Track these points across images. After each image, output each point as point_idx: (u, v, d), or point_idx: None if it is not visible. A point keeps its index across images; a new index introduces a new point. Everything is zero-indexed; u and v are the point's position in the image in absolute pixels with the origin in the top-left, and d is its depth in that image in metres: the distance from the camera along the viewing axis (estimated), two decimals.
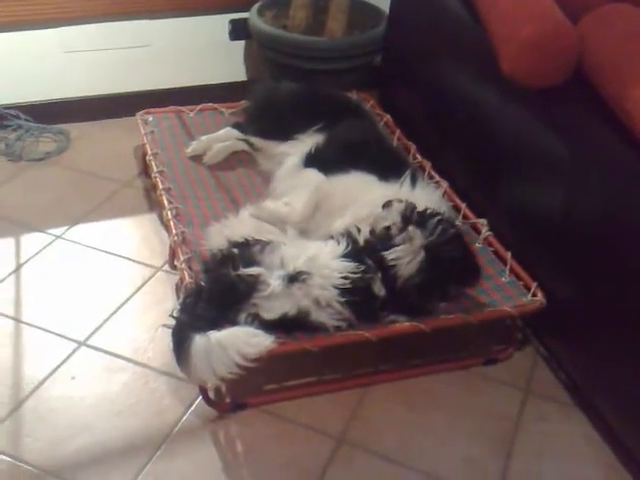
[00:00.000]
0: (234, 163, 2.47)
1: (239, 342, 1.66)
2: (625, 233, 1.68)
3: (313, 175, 2.12)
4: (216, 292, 1.76)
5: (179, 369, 1.70)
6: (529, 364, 2.00)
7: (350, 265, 1.78)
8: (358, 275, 1.77)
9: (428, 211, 1.85)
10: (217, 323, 1.71)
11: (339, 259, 1.79)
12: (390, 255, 1.78)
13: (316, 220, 2.06)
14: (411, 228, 1.79)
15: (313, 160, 2.17)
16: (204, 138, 2.48)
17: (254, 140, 2.44)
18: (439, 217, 1.84)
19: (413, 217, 1.82)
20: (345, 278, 1.76)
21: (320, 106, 2.38)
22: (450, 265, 1.80)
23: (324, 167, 2.12)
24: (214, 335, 1.65)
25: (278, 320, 1.74)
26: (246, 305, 1.73)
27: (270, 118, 2.41)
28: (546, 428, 1.82)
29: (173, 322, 1.73)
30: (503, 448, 1.76)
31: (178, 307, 1.77)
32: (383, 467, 1.70)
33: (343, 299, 1.75)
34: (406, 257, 1.78)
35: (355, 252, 1.82)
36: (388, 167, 2.09)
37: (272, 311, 1.73)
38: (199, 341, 1.64)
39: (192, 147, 2.47)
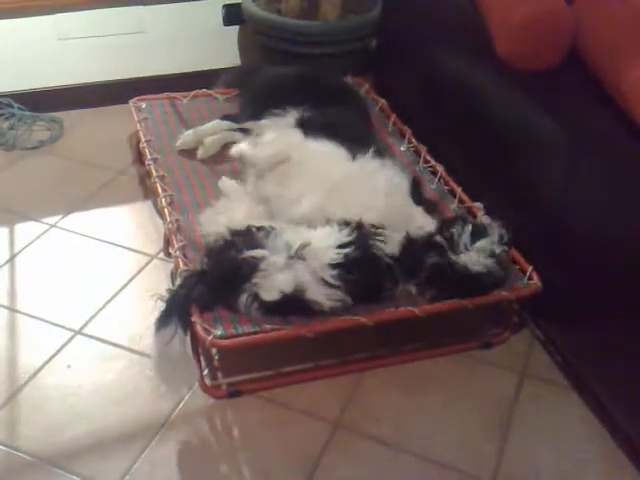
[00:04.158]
0: (227, 153, 2.43)
1: None
2: (622, 216, 1.67)
3: (295, 133, 2.14)
4: (220, 274, 1.77)
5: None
6: (525, 347, 2.00)
7: (345, 232, 1.80)
8: (354, 240, 1.79)
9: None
10: (216, 304, 1.74)
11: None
12: None
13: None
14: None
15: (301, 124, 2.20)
16: (191, 132, 2.42)
17: (251, 125, 2.41)
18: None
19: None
20: (343, 246, 1.77)
21: (314, 83, 2.37)
22: None
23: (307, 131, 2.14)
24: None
25: (276, 302, 1.74)
26: (247, 285, 1.74)
27: (264, 98, 2.39)
28: (542, 411, 1.83)
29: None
30: (499, 431, 1.77)
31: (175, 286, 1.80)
32: (379, 451, 1.71)
33: (341, 278, 1.75)
34: None
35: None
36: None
37: (271, 290, 1.73)
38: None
39: (181, 141, 2.41)
